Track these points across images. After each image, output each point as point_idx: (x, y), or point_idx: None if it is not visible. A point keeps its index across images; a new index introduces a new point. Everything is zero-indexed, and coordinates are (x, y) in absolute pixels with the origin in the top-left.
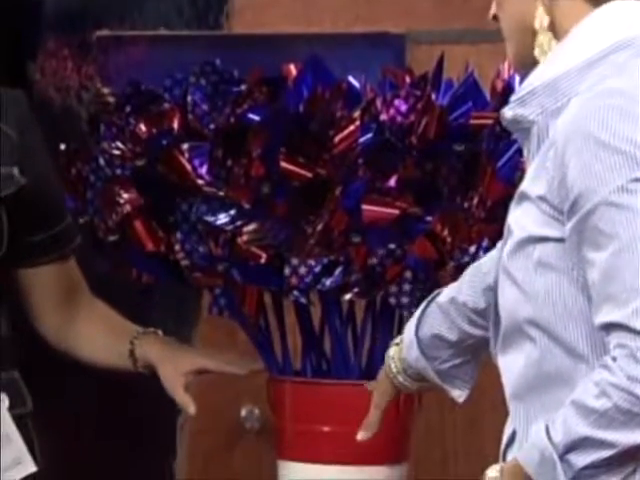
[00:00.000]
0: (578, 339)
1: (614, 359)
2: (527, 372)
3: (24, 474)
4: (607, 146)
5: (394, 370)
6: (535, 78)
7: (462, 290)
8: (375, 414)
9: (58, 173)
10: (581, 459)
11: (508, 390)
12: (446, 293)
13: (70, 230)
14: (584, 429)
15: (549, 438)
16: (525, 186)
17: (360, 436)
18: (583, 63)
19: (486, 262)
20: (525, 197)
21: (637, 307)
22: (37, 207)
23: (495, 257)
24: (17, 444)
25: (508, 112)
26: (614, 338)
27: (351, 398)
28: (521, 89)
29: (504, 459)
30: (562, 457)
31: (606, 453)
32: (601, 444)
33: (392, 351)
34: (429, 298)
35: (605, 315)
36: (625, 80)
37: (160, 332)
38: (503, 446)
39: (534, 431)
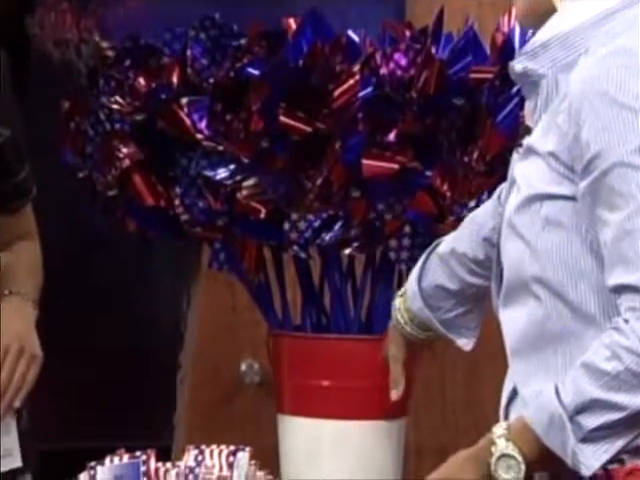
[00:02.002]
0: (589, 300)
1: (626, 321)
2: (529, 330)
3: (10, 467)
4: (624, 106)
5: (401, 321)
6: (547, 32)
7: (460, 241)
8: (396, 368)
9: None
10: (591, 421)
11: (509, 345)
12: (446, 244)
13: (29, 180)
14: (595, 391)
15: (559, 400)
16: (533, 140)
17: (393, 395)
18: (595, 18)
19: (480, 214)
20: (533, 152)
21: None
22: (3, 156)
23: (490, 209)
24: (13, 436)
25: (517, 65)
26: (626, 301)
27: (350, 353)
28: (532, 42)
29: (506, 416)
30: (572, 418)
31: (616, 415)
32: (612, 407)
33: (397, 302)
34: (429, 249)
35: (617, 277)
36: (635, 37)
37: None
38: (504, 402)
39: (544, 392)
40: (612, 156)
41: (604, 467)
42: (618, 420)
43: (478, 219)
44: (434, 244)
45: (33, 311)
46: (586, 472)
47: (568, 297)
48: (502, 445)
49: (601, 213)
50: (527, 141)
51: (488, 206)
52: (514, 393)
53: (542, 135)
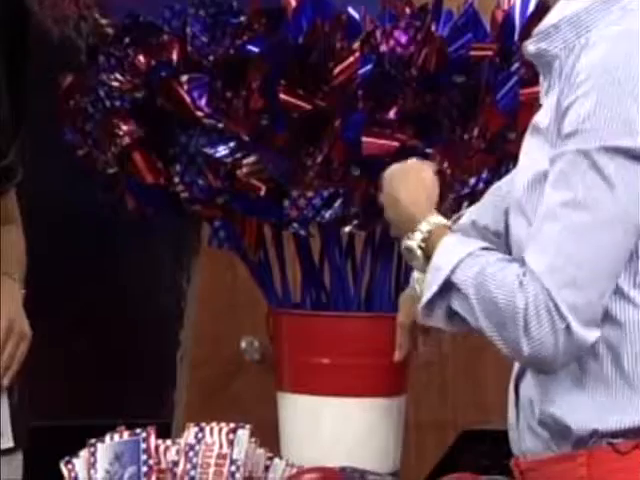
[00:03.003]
0: None
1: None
2: None
3: (2, 447)
4: (625, 92)
5: (419, 292)
6: (558, 12)
7: (482, 213)
8: (402, 333)
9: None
10: (448, 298)
11: None
12: (467, 216)
13: (16, 164)
14: (470, 284)
15: (454, 263)
16: (537, 118)
17: (396, 357)
18: None
19: (503, 185)
20: (537, 129)
21: (551, 264)
22: None
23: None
24: (4, 417)
25: (530, 46)
26: (523, 275)
27: (350, 330)
28: (545, 22)
29: (516, 391)
30: (449, 276)
31: (459, 307)
32: (465, 308)
33: (416, 274)
34: (451, 220)
35: (527, 253)
36: None
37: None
38: (514, 378)
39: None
40: (583, 143)
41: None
42: (458, 307)
43: (501, 191)
44: (455, 216)
45: (21, 291)
46: None
47: None
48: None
49: (548, 185)
50: (534, 119)
51: (509, 179)
52: (523, 370)
53: (544, 112)
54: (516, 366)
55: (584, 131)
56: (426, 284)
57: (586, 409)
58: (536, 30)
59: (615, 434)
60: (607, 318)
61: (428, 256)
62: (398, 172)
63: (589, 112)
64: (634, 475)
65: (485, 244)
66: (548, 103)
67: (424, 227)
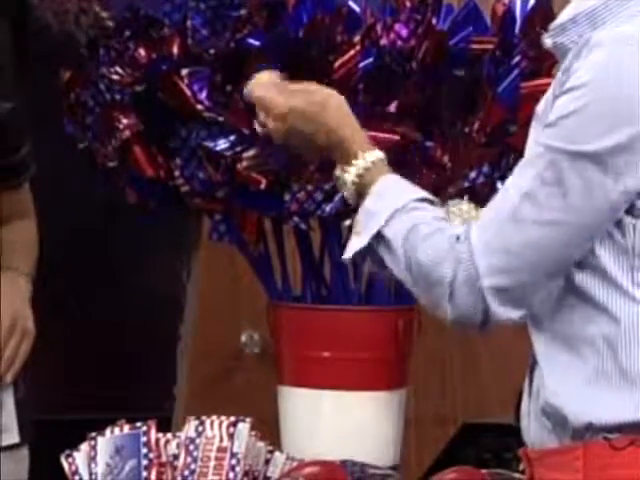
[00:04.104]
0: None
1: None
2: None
3: (8, 443)
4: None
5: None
6: (576, 6)
7: None
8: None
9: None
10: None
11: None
12: None
13: (29, 156)
14: (398, 238)
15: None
16: (538, 107)
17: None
18: None
19: None
20: (537, 116)
21: (488, 243)
22: (4, 131)
23: None
24: (9, 412)
25: (548, 40)
26: (461, 235)
27: (350, 324)
28: (562, 17)
29: (530, 379)
30: (382, 228)
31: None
32: (397, 264)
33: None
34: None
35: (475, 223)
36: None
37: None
38: (530, 366)
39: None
40: (555, 138)
41: (605, 437)
42: (387, 261)
43: None
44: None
45: (28, 286)
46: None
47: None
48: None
49: (520, 162)
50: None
51: None
52: (535, 360)
53: (544, 98)
54: (532, 354)
55: (560, 126)
56: (357, 226)
57: (583, 401)
58: (553, 24)
59: (611, 429)
60: (606, 314)
61: (360, 192)
62: (312, 98)
63: (574, 109)
64: (629, 471)
65: (423, 194)
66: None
67: (361, 163)
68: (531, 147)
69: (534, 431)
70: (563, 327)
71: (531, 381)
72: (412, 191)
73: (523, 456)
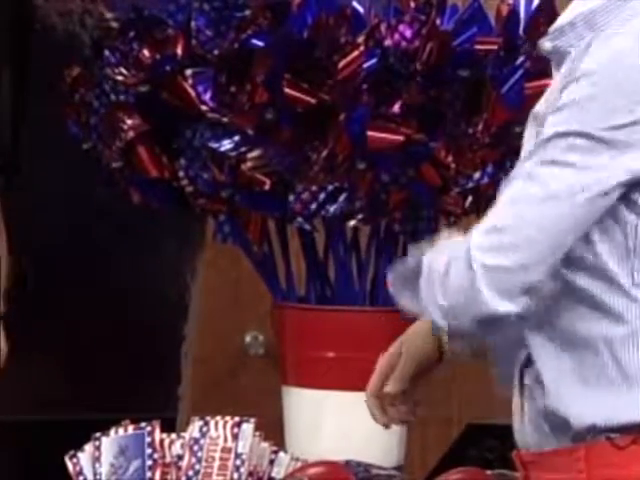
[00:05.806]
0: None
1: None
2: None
3: None
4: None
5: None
6: (574, 9)
7: None
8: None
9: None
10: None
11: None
12: None
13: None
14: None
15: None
16: (535, 108)
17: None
18: None
19: None
20: (535, 117)
21: (487, 228)
22: None
23: None
24: None
25: (546, 43)
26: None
27: (355, 324)
28: (561, 20)
29: (522, 379)
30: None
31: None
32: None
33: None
34: None
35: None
36: None
37: None
38: (519, 366)
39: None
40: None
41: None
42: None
43: None
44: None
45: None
46: None
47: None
48: None
49: (523, 155)
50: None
51: None
52: (528, 357)
53: (543, 99)
54: (522, 353)
55: (568, 111)
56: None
57: (585, 403)
58: (552, 27)
59: (613, 429)
60: (606, 314)
61: None
62: None
63: (580, 97)
64: (631, 469)
65: None
66: (549, 91)
67: None
68: (525, 149)
69: (530, 434)
70: (562, 328)
71: (522, 380)
72: None
73: (517, 459)
